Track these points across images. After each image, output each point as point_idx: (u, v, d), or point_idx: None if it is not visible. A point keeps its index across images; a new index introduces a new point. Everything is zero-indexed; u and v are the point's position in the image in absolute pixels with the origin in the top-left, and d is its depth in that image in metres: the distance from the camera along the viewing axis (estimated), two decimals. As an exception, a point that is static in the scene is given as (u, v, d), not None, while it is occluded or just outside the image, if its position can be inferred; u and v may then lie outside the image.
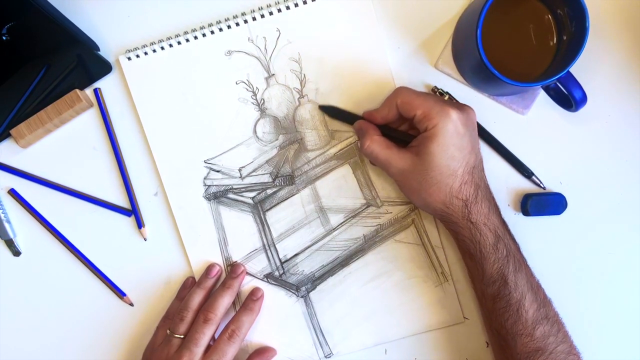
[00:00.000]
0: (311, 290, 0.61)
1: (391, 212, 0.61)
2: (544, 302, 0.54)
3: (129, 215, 0.61)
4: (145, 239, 0.62)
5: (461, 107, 0.54)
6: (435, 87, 0.60)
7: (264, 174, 0.61)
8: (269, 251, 0.61)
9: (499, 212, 0.55)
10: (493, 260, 0.53)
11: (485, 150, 0.60)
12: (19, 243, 0.62)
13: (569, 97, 0.55)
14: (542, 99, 0.60)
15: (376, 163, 0.56)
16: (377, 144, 0.55)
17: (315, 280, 0.61)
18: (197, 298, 0.58)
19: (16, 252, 0.62)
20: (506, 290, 0.53)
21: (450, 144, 0.52)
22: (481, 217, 0.53)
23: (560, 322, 0.54)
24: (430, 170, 0.52)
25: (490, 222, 0.53)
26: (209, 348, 0.57)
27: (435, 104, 0.52)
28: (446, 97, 0.59)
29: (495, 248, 0.53)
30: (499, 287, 0.53)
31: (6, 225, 0.61)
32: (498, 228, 0.53)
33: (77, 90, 0.60)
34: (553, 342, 0.53)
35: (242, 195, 0.61)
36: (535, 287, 0.54)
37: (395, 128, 0.57)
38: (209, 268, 0.60)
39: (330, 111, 0.60)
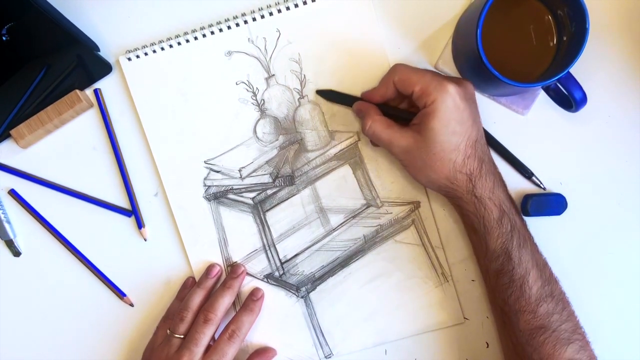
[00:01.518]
0: (311, 291, 0.61)
1: (391, 213, 0.61)
2: (549, 279, 0.53)
3: (129, 216, 0.61)
4: (145, 240, 0.62)
5: (459, 81, 0.54)
6: (436, 87, 0.60)
7: (264, 174, 0.61)
8: (269, 251, 0.61)
9: (505, 187, 0.55)
10: (497, 234, 0.53)
11: (486, 151, 0.60)
12: (19, 243, 0.62)
13: (569, 98, 0.55)
14: (542, 100, 0.60)
15: (378, 143, 0.56)
16: (378, 124, 0.55)
17: (316, 280, 0.61)
18: (197, 298, 0.58)
19: (16, 253, 0.62)
20: (510, 265, 0.52)
21: (450, 118, 0.52)
22: (486, 192, 0.53)
23: (566, 300, 0.54)
24: (432, 146, 0.52)
25: (495, 197, 0.53)
26: (209, 348, 0.57)
27: (433, 79, 0.52)
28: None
29: (499, 223, 0.53)
30: (502, 263, 0.53)
31: (6, 225, 0.61)
32: (503, 203, 0.53)
33: (77, 91, 0.60)
34: (557, 320, 0.52)
35: (242, 196, 0.61)
36: (541, 265, 0.54)
37: (395, 106, 0.57)
38: (209, 268, 0.60)
39: (328, 95, 0.60)
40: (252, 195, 0.61)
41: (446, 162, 0.52)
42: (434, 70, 0.60)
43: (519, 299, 0.52)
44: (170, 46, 0.60)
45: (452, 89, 0.52)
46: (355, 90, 0.60)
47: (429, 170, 0.53)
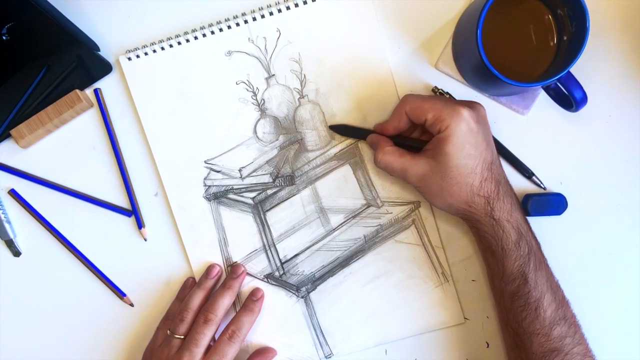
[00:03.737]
0: (311, 291, 0.61)
1: (391, 213, 0.61)
2: (562, 302, 0.54)
3: (129, 216, 0.61)
4: (145, 239, 0.62)
5: (471, 105, 0.54)
6: (436, 87, 0.60)
7: (264, 174, 0.61)
8: (269, 251, 0.61)
9: (521, 209, 0.55)
10: (514, 257, 0.53)
11: (486, 151, 0.60)
12: (19, 243, 0.62)
13: (570, 97, 0.55)
14: (542, 99, 0.60)
15: (393, 173, 0.56)
16: (390, 155, 0.55)
17: (316, 280, 0.61)
18: (197, 299, 0.58)
19: (16, 253, 0.62)
20: (526, 288, 0.53)
21: (465, 142, 0.52)
22: (504, 214, 0.53)
23: (577, 324, 0.54)
24: (449, 171, 0.52)
25: (513, 219, 0.53)
26: (209, 349, 0.57)
27: (445, 105, 0.52)
28: (447, 97, 0.59)
29: (517, 245, 0.53)
30: (518, 285, 0.53)
31: (6, 225, 0.61)
32: (521, 225, 0.53)
33: (77, 91, 0.60)
34: (570, 344, 0.53)
35: (242, 196, 0.61)
36: (555, 288, 0.54)
37: (408, 136, 0.57)
38: (209, 268, 0.60)
39: (340, 130, 0.60)
40: (252, 195, 0.61)
41: (463, 186, 0.52)
42: (437, 70, 0.61)
43: (533, 321, 0.53)
44: (171, 46, 0.60)
45: (465, 113, 0.52)
46: (356, 90, 0.60)
47: (446, 195, 0.53)
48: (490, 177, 0.53)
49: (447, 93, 0.60)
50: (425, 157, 0.53)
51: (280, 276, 0.61)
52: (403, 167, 0.54)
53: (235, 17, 0.60)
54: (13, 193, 0.62)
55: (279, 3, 0.60)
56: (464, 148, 0.52)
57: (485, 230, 0.54)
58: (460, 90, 0.60)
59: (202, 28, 0.60)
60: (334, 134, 0.61)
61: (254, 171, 0.61)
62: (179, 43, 0.60)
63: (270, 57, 0.60)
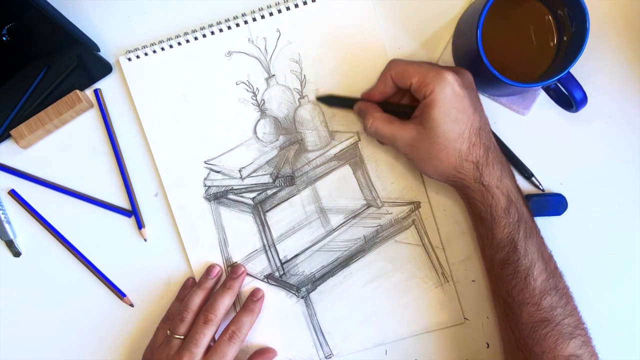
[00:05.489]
0: (311, 291, 0.61)
1: (391, 213, 0.61)
2: (554, 272, 0.53)
3: (129, 216, 0.61)
4: (145, 240, 0.62)
5: (456, 70, 0.53)
6: (436, 87, 0.60)
7: (264, 174, 0.61)
8: (269, 252, 0.61)
9: (513, 177, 0.54)
10: (504, 224, 0.52)
11: (486, 151, 0.60)
12: (19, 244, 0.62)
13: (570, 98, 0.55)
14: (542, 100, 0.60)
15: (382, 140, 0.56)
16: (379, 121, 0.55)
17: (316, 281, 0.61)
18: (197, 299, 0.58)
19: (16, 253, 0.62)
20: (515, 256, 0.52)
21: (451, 107, 0.51)
22: (494, 180, 0.52)
23: (570, 295, 0.54)
24: (436, 136, 0.52)
25: (503, 185, 0.53)
26: (209, 349, 0.57)
27: (430, 70, 0.52)
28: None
29: (506, 212, 0.52)
30: (508, 253, 0.53)
31: (6, 226, 0.61)
32: (511, 192, 0.53)
33: (78, 91, 0.60)
34: (560, 314, 0.52)
35: (242, 196, 0.61)
36: (547, 257, 0.54)
37: (396, 102, 0.57)
38: (209, 269, 0.60)
39: (328, 100, 0.60)
40: (252, 195, 0.61)
41: (451, 151, 0.52)
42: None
43: (523, 290, 0.52)
44: (170, 46, 0.60)
45: (450, 77, 0.51)
46: (356, 90, 0.60)
47: (435, 161, 0.53)
48: (478, 143, 0.52)
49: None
50: (413, 123, 0.53)
51: (280, 276, 0.61)
52: (392, 134, 0.54)
53: (235, 17, 0.60)
54: (13, 193, 0.62)
55: (279, 3, 0.60)
56: (450, 113, 0.51)
57: (474, 197, 0.53)
58: (460, 90, 0.60)
59: (202, 28, 0.60)
60: (334, 134, 0.61)
61: (254, 171, 0.61)
62: (179, 43, 0.60)
63: (270, 58, 0.60)
